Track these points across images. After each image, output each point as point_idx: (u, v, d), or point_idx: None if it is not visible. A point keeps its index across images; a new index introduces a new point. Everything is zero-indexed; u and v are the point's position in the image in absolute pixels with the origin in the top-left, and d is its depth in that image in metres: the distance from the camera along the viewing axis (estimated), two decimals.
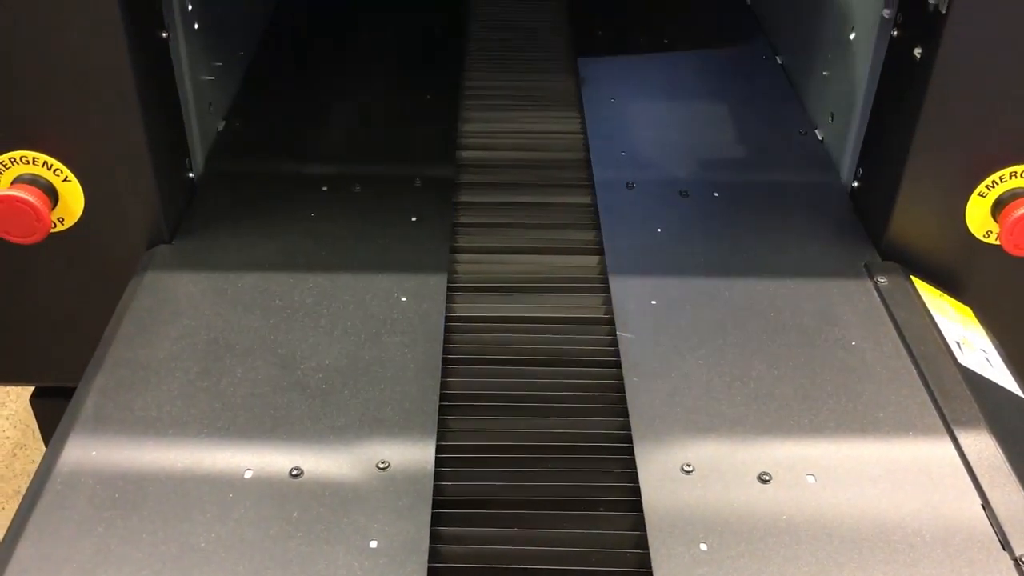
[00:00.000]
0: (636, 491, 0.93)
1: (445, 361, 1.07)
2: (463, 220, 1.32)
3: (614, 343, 1.10)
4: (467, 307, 1.17)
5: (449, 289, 1.17)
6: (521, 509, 0.93)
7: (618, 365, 1.07)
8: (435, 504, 0.91)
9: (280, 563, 0.84)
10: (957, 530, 0.89)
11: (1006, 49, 1.09)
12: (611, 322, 1.14)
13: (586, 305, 1.18)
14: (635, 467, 0.95)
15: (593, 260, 1.25)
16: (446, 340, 1.10)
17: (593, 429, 1.01)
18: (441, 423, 0.99)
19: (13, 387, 2.09)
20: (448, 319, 1.13)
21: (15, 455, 1.97)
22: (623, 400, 1.03)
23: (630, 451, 0.97)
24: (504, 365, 1.09)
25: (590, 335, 1.13)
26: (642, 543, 0.88)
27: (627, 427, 0.99)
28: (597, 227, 1.30)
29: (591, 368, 1.09)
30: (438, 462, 0.95)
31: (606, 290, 1.18)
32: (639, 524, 0.90)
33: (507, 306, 1.18)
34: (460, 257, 1.25)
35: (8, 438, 2.00)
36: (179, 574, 0.83)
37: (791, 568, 0.85)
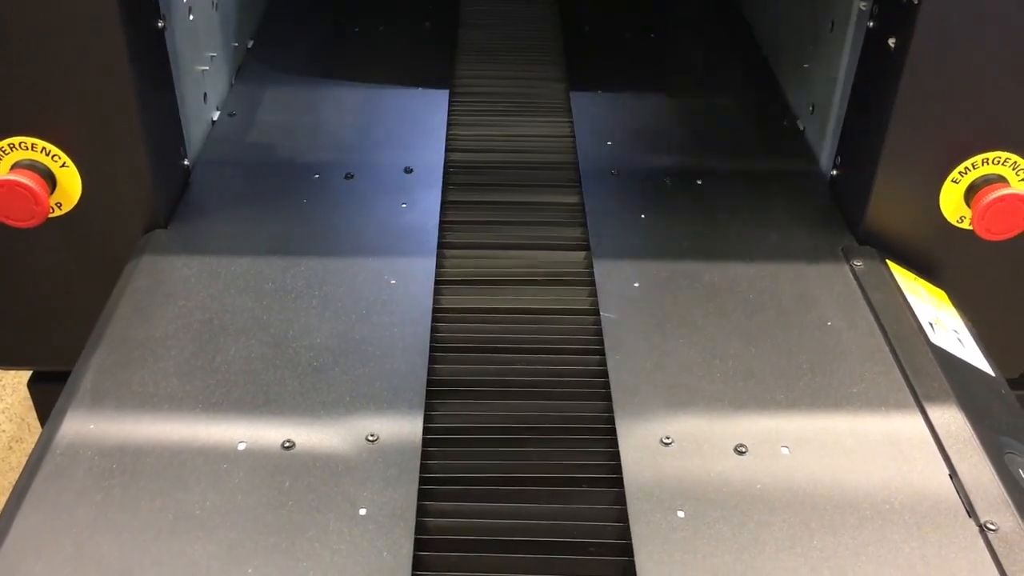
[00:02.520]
0: (617, 469, 0.96)
1: (432, 349, 1.10)
2: (451, 218, 1.33)
3: (598, 332, 1.13)
4: (454, 299, 1.19)
5: (437, 283, 1.19)
6: (506, 486, 0.96)
7: (602, 352, 1.10)
8: (422, 481, 0.94)
9: (272, 529, 0.87)
10: (925, 498, 0.92)
11: (977, 38, 1.13)
12: (596, 313, 1.16)
13: (571, 297, 1.20)
14: (617, 446, 0.98)
15: (579, 256, 1.27)
16: (434, 330, 1.12)
17: (577, 412, 1.04)
18: (428, 406, 1.02)
19: (9, 383, 2.11)
20: (436, 310, 1.15)
21: (11, 448, 1.99)
22: (606, 385, 1.05)
23: (612, 432, 1.00)
24: (491, 353, 1.11)
25: (575, 325, 1.16)
26: (623, 517, 0.91)
27: (610, 410, 1.02)
28: (584, 224, 1.32)
29: (576, 355, 1.11)
30: (425, 442, 0.98)
31: (591, 283, 1.21)
32: (620, 499, 0.92)
33: (494, 298, 1.19)
34: (448, 252, 1.27)
35: (4, 431, 2.02)
36: (175, 540, 0.86)
37: (765, 533, 0.88)
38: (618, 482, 0.94)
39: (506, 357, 1.11)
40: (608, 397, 1.04)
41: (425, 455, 0.97)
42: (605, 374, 1.07)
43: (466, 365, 1.09)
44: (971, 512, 0.91)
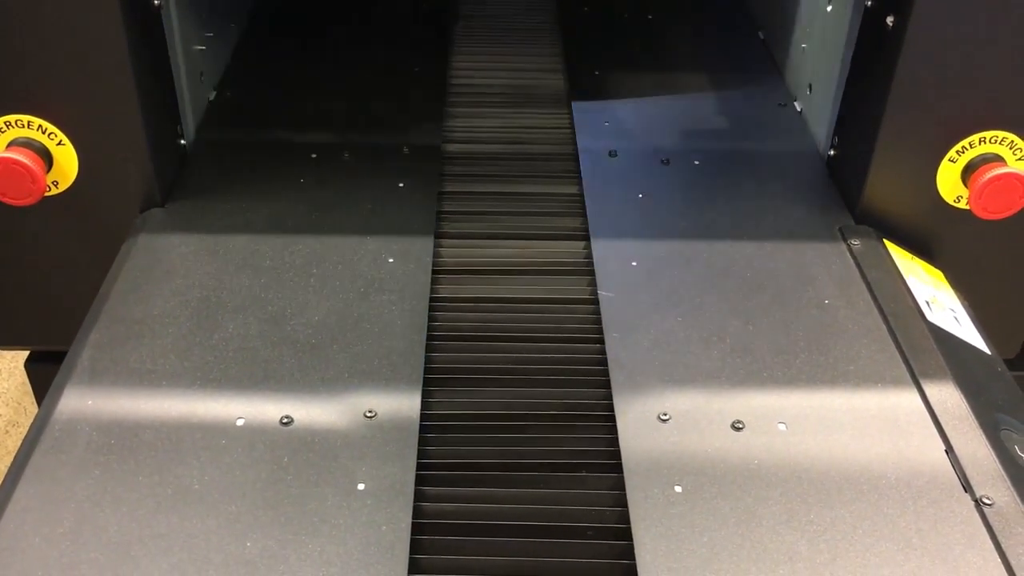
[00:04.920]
0: (616, 455, 0.94)
1: (430, 338, 1.09)
2: (448, 208, 1.31)
3: (598, 321, 1.12)
4: (452, 289, 1.17)
5: (435, 272, 1.18)
6: (504, 471, 0.95)
7: (601, 341, 1.09)
8: (420, 458, 0.93)
9: (271, 503, 0.88)
10: (920, 474, 0.93)
11: (975, 17, 1.13)
12: (595, 302, 1.14)
13: (571, 287, 1.18)
14: (616, 433, 0.97)
15: (579, 245, 1.25)
16: (432, 319, 1.11)
17: (577, 399, 1.03)
18: (426, 386, 1.02)
19: (5, 367, 2.11)
20: (432, 300, 1.14)
21: (8, 432, 1.99)
22: (606, 373, 1.04)
23: (612, 419, 0.99)
24: (489, 341, 1.10)
25: (575, 314, 1.14)
26: (622, 501, 0.90)
27: (609, 398, 1.01)
28: (583, 214, 1.30)
29: (576, 344, 1.10)
30: (423, 417, 0.97)
31: (591, 272, 1.19)
32: (619, 484, 0.92)
33: (492, 288, 1.18)
34: (445, 243, 1.25)
35: (0, 416, 2.02)
36: (174, 513, 0.86)
37: (762, 508, 0.89)
38: (617, 467, 0.94)
39: (504, 345, 1.10)
40: (607, 384, 1.03)
41: (423, 431, 0.97)
42: (604, 362, 1.06)
43: (464, 353, 1.08)
44: (967, 487, 0.91)
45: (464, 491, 0.93)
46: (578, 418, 1.01)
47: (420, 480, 0.92)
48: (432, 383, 1.04)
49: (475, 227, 1.28)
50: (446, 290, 1.17)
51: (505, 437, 0.99)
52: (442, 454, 0.96)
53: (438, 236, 1.25)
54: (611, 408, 1.00)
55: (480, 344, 1.10)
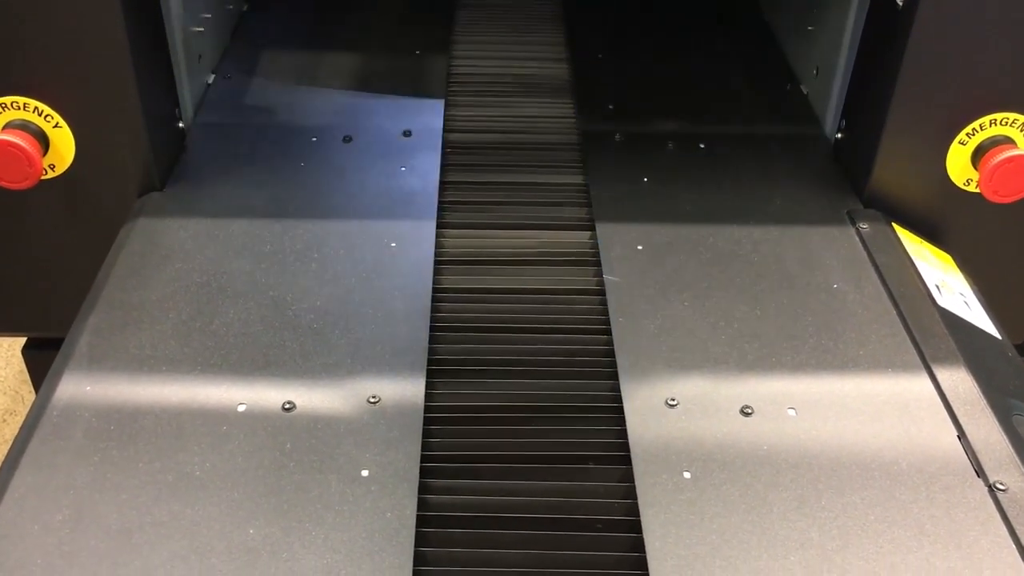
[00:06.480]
0: (625, 447, 0.92)
1: (433, 328, 1.07)
2: (451, 198, 1.28)
3: (604, 312, 1.09)
4: (456, 279, 1.15)
5: (438, 263, 1.16)
6: (510, 462, 0.93)
7: (607, 332, 1.07)
8: (424, 445, 0.92)
9: (274, 490, 0.86)
10: (933, 459, 0.91)
11: None
12: (601, 293, 1.12)
13: (576, 277, 1.16)
14: (624, 424, 0.95)
15: (584, 236, 1.22)
16: (434, 310, 1.09)
17: (583, 390, 1.01)
18: (430, 383, 0.99)
19: (3, 355, 2.09)
20: (436, 290, 1.12)
21: (5, 421, 1.98)
22: (613, 364, 1.02)
23: (620, 410, 0.97)
24: (493, 332, 1.08)
25: (580, 304, 1.12)
26: (630, 493, 0.88)
27: (617, 389, 0.99)
28: (588, 205, 1.27)
29: (581, 334, 1.07)
30: (427, 415, 0.96)
31: (597, 263, 1.17)
32: (628, 476, 0.90)
33: (496, 278, 1.15)
34: (449, 232, 1.22)
35: None
36: (175, 500, 0.85)
37: (772, 494, 0.87)
38: (626, 459, 0.92)
39: (509, 336, 1.07)
40: (615, 376, 1.01)
41: (428, 419, 0.95)
42: (611, 352, 1.04)
43: (469, 344, 1.06)
44: (980, 472, 0.90)
45: (470, 482, 0.91)
46: (585, 409, 0.99)
47: (425, 471, 0.90)
48: (436, 373, 1.02)
49: (478, 217, 1.26)
50: (449, 280, 1.15)
51: (510, 428, 0.97)
52: (447, 445, 0.94)
53: (441, 226, 1.23)
54: (619, 399, 0.98)
55: (484, 335, 1.08)
